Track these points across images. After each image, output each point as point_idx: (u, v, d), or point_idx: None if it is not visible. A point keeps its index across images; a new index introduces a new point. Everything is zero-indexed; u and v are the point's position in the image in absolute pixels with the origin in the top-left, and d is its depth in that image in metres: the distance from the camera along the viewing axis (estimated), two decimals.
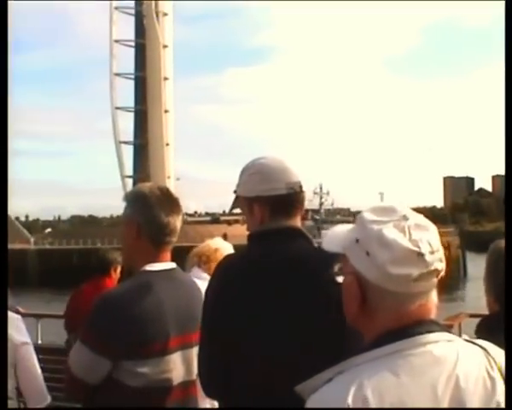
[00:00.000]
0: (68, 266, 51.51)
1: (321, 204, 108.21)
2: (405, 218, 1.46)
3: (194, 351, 2.46)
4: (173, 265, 2.69)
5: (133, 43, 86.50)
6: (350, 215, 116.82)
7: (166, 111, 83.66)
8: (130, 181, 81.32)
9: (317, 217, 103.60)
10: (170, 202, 2.64)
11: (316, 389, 1.42)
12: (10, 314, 3.03)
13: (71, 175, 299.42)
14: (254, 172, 2.32)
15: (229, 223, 65.53)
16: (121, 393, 2.45)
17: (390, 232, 1.43)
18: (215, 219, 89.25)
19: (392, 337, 1.42)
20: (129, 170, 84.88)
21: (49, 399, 3.09)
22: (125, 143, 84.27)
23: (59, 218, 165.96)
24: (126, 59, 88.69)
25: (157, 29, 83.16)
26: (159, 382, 2.46)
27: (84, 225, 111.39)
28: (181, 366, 2.54)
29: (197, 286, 2.76)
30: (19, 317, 3.19)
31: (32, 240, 72.32)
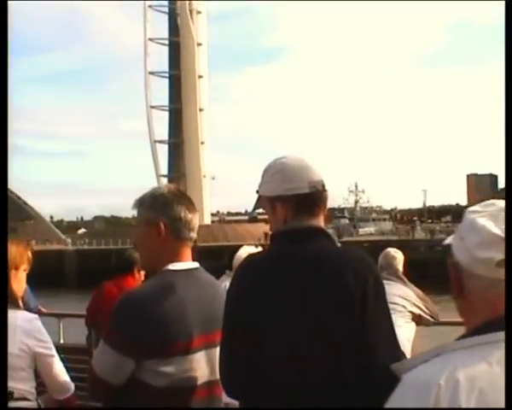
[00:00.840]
0: (107, 267, 51.08)
1: (356, 202, 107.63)
2: (502, 210, 1.52)
3: (219, 350, 2.40)
4: (196, 264, 2.65)
5: (167, 42, 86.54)
6: (385, 213, 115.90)
7: (201, 109, 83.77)
8: (165, 180, 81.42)
9: (347, 215, 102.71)
10: (187, 200, 2.65)
11: (411, 368, 1.47)
12: (26, 315, 2.98)
13: (90, 175, 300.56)
14: (276, 171, 2.31)
15: (266, 221, 64.78)
16: (145, 393, 2.42)
17: (482, 220, 1.51)
18: (253, 217, 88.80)
19: (489, 328, 1.45)
20: (164, 169, 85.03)
21: (72, 388, 3.07)
22: (160, 142, 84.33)
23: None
24: (158, 57, 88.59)
25: (191, 27, 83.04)
26: (182, 381, 2.43)
27: (117, 225, 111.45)
28: (205, 365, 2.50)
29: (220, 286, 2.78)
30: (36, 316, 3.08)
31: (70, 241, 72.19)
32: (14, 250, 3.03)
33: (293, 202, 2.27)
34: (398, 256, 5.71)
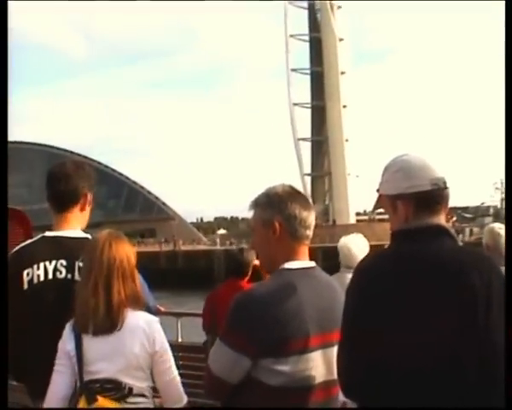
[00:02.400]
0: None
1: (502, 200, 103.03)
2: None
3: (336, 350, 2.43)
4: (312, 263, 2.65)
5: (307, 38, 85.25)
6: None
7: (345, 106, 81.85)
8: (308, 179, 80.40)
9: (492, 213, 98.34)
10: (302, 198, 2.66)
11: None
12: (149, 317, 2.93)
13: (210, 177, 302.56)
14: (397, 169, 2.32)
15: None
16: (260, 392, 2.44)
17: None
18: None
19: None
20: (307, 168, 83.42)
21: (185, 400, 2.98)
22: (303, 140, 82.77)
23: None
24: (299, 53, 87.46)
25: (332, 22, 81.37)
26: (299, 380, 2.44)
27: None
28: (322, 364, 2.49)
29: (337, 284, 2.75)
30: (157, 319, 2.98)
31: (218, 241, 71.77)
32: (129, 249, 2.93)
33: (414, 200, 2.26)
34: (504, 233, 5.16)
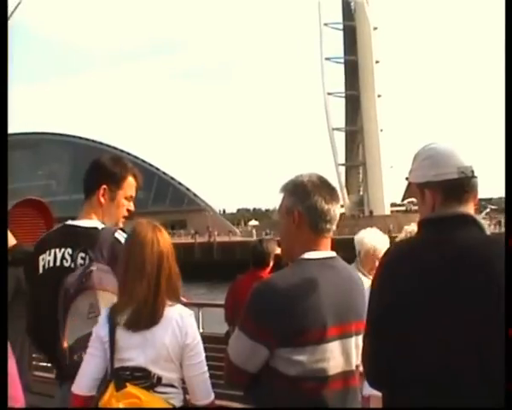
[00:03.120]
0: None
1: None
2: None
3: (354, 341, 2.53)
4: (333, 253, 2.66)
5: (341, 26, 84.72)
6: None
7: (379, 96, 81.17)
8: (343, 169, 79.76)
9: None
10: (329, 190, 2.65)
11: None
12: (184, 310, 2.92)
13: (227, 169, 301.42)
14: (425, 157, 2.30)
15: None
16: (279, 381, 2.48)
17: None
18: None
19: None
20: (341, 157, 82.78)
21: (212, 397, 2.94)
22: (337, 129, 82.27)
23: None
24: (332, 42, 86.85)
25: (366, 10, 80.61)
26: (316, 371, 2.47)
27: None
28: (339, 355, 2.52)
29: (357, 275, 2.79)
30: (192, 312, 2.97)
31: (254, 232, 71.47)
32: (170, 240, 2.98)
33: (441, 188, 2.24)
34: None
